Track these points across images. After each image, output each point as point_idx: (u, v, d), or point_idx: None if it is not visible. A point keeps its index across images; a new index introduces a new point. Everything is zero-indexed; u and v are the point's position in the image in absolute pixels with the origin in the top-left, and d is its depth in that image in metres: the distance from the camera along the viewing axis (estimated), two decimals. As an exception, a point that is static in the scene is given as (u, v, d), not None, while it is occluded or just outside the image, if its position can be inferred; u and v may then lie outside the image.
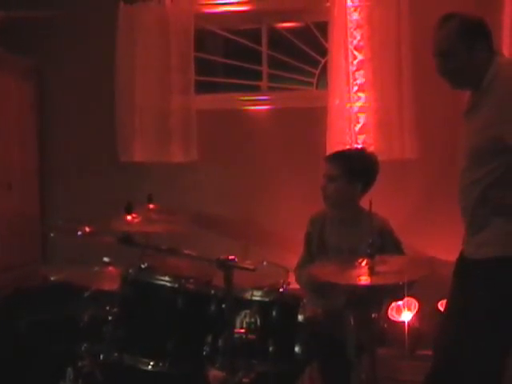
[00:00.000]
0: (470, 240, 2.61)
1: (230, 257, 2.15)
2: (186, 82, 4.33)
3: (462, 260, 2.67)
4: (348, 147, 3.48)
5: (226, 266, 2.15)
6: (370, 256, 2.41)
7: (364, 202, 2.90)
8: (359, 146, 3.91)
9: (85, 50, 4.51)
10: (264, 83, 4.52)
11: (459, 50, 2.53)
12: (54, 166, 4.69)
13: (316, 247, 3.13)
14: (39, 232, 4.56)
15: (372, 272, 2.37)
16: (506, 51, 3.60)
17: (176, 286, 2.47)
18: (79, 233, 2.82)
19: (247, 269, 2.19)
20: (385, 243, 2.78)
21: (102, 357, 2.51)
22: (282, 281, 2.81)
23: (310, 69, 4.45)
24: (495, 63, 2.52)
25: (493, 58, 2.54)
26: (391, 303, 3.89)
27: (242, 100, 4.44)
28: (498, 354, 2.52)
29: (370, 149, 3.66)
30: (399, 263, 2.60)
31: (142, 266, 2.61)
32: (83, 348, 2.64)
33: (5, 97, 4.35)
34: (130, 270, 2.57)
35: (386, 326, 3.32)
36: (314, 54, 4.43)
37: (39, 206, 4.66)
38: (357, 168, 3.00)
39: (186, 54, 4.32)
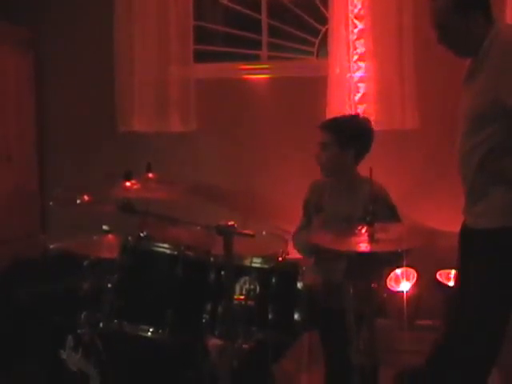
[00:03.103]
0: (470, 209, 2.60)
1: (230, 223, 2.15)
2: (185, 52, 4.30)
3: (465, 230, 2.66)
4: (341, 114, 3.45)
5: (226, 233, 2.15)
6: (370, 223, 2.40)
7: (364, 171, 2.88)
8: (353, 113, 3.88)
9: (83, 20, 4.46)
10: (264, 52, 4.48)
11: (455, 22, 2.51)
12: (53, 137, 4.67)
13: (313, 214, 3.13)
14: (39, 203, 4.56)
15: (372, 239, 2.37)
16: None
17: (175, 253, 2.46)
18: (78, 201, 2.80)
19: (247, 235, 2.18)
20: (379, 209, 2.77)
21: (101, 325, 2.51)
22: (281, 250, 2.81)
23: (310, 38, 4.42)
24: (494, 29, 2.50)
25: (492, 25, 2.51)
26: (390, 273, 3.90)
27: (242, 69, 4.40)
28: (499, 326, 2.52)
29: (371, 118, 3.64)
30: (399, 231, 2.59)
31: (142, 235, 2.60)
32: (83, 316, 2.65)
33: (2, 68, 4.31)
34: (130, 238, 2.56)
35: (385, 296, 3.33)
36: (314, 22, 4.39)
37: (39, 178, 4.64)
38: (348, 134, 2.98)
39: (184, 24, 4.30)
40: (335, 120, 3.17)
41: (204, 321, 2.42)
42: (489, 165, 2.48)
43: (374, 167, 2.57)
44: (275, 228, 2.99)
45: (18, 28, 4.40)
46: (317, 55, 4.43)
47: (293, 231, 3.22)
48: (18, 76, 4.47)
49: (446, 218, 3.61)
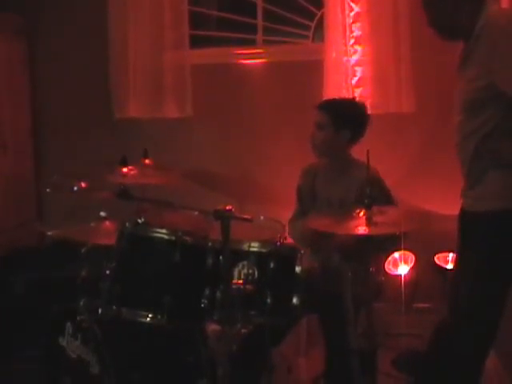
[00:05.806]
0: (468, 192, 2.60)
1: (227, 207, 2.14)
2: (180, 37, 4.29)
3: (463, 213, 2.66)
4: (339, 97, 3.46)
5: (223, 217, 2.14)
6: (367, 206, 2.40)
7: (361, 155, 2.88)
8: (350, 96, 3.88)
9: (77, 6, 4.44)
10: (259, 36, 4.46)
11: (443, 2, 2.49)
12: (48, 124, 4.66)
13: (308, 200, 3.13)
14: (35, 191, 4.56)
15: (370, 222, 2.36)
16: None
17: (173, 238, 2.45)
18: (75, 188, 2.79)
19: (244, 219, 2.18)
20: (375, 193, 2.76)
21: (100, 311, 2.51)
22: (278, 235, 2.81)
23: (305, 21, 4.39)
24: (485, 12, 2.45)
25: (483, 7, 2.48)
26: (388, 256, 3.91)
27: (237, 54, 4.39)
28: (498, 307, 2.52)
29: (367, 102, 3.63)
30: (396, 214, 2.59)
31: (139, 221, 2.59)
32: (81, 303, 2.64)
33: (-6, 55, 4.30)
34: (127, 224, 2.55)
35: (383, 279, 3.34)
36: (309, 6, 4.36)
37: (34, 165, 4.64)
38: (344, 116, 3.00)
39: (179, 9, 4.28)
40: (333, 101, 3.20)
41: (202, 306, 2.41)
42: (485, 149, 2.47)
43: (370, 151, 2.57)
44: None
45: (11, 15, 4.37)
46: (313, 39, 4.40)
47: (289, 217, 3.22)
48: (11, 63, 4.44)
49: (443, 201, 3.62)
